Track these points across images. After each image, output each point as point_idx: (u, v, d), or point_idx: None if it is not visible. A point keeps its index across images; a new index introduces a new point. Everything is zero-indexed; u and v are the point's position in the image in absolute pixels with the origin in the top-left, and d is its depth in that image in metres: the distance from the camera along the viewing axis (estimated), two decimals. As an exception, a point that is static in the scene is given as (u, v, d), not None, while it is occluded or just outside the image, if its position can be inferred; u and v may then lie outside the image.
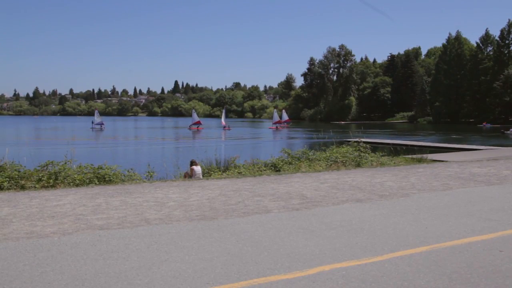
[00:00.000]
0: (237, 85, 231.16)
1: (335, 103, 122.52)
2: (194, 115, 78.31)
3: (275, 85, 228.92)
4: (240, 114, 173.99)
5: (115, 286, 3.98)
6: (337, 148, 15.74)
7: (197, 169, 12.66)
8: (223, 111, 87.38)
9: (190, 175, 12.53)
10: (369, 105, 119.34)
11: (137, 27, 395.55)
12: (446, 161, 16.05)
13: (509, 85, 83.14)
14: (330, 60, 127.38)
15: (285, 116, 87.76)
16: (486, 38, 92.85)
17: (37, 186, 9.50)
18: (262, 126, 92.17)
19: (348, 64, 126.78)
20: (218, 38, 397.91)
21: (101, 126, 79.38)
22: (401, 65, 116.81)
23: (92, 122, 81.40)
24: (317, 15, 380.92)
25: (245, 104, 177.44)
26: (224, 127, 75.06)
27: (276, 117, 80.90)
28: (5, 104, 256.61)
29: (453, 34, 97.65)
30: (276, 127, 77.68)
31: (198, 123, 75.83)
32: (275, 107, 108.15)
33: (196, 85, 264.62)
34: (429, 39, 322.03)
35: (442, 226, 6.12)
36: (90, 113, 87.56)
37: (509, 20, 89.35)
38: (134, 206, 7.38)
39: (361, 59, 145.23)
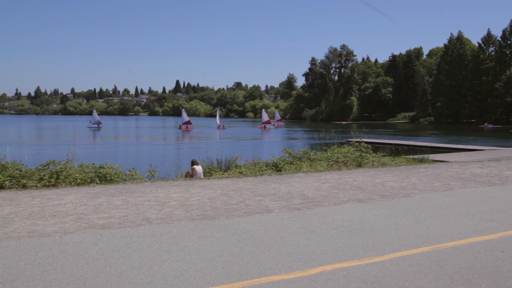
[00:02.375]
0: (238, 85, 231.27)
1: (337, 103, 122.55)
2: (184, 114, 78.14)
3: (276, 85, 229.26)
4: (242, 114, 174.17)
5: (116, 285, 3.99)
6: (338, 148, 15.74)
7: (198, 168, 12.69)
8: (218, 111, 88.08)
9: (191, 174, 12.56)
10: (371, 105, 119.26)
11: (139, 26, 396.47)
12: (448, 161, 16.02)
13: (511, 86, 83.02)
14: (332, 60, 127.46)
15: (278, 116, 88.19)
16: (488, 39, 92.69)
17: (38, 185, 9.51)
18: (256, 126, 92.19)
19: (349, 64, 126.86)
20: (219, 38, 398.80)
21: (99, 126, 79.59)
22: (403, 65, 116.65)
23: (90, 122, 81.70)
24: (319, 15, 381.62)
25: (247, 104, 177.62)
26: (219, 126, 75.32)
27: (265, 117, 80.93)
28: (6, 103, 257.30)
29: (455, 34, 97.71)
30: (264, 126, 77.68)
31: (188, 122, 75.80)
32: (263, 106, 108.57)
33: (198, 84, 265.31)
34: (430, 39, 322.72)
35: (443, 226, 6.11)
36: (92, 113, 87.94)
37: (511, 20, 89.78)
38: (136, 206, 7.38)
39: (363, 59, 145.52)
